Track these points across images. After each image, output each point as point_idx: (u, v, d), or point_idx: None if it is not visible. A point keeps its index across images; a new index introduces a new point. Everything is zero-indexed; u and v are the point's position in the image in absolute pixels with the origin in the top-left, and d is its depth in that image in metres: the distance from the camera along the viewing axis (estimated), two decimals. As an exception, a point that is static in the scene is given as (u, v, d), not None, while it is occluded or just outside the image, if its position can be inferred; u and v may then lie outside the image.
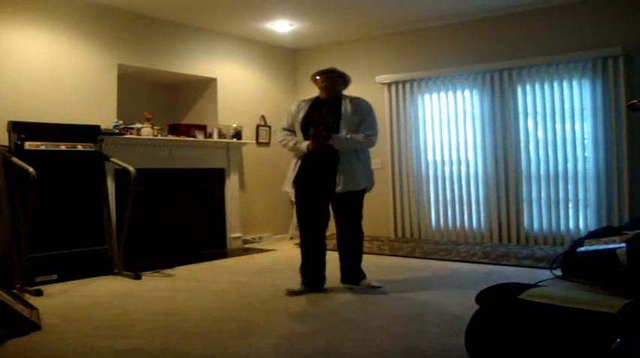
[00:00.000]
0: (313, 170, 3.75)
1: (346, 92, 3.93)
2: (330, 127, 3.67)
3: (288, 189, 3.86)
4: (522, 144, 5.56)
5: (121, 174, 4.78)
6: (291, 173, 3.84)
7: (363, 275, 3.89)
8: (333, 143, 3.66)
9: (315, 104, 3.85)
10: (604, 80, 5.10)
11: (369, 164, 3.92)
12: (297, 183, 3.80)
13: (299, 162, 3.80)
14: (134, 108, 5.52)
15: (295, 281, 3.85)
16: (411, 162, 6.18)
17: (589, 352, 1.77)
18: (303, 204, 3.83)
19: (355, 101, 3.81)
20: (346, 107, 3.75)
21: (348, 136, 3.69)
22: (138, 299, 3.71)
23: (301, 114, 3.79)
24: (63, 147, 4.44)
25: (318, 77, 3.85)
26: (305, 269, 3.84)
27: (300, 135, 3.78)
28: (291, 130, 3.88)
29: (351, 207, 3.83)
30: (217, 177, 6.07)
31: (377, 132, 3.84)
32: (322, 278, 3.86)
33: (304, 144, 3.72)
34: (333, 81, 3.81)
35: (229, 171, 6.14)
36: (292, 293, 3.71)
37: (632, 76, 4.99)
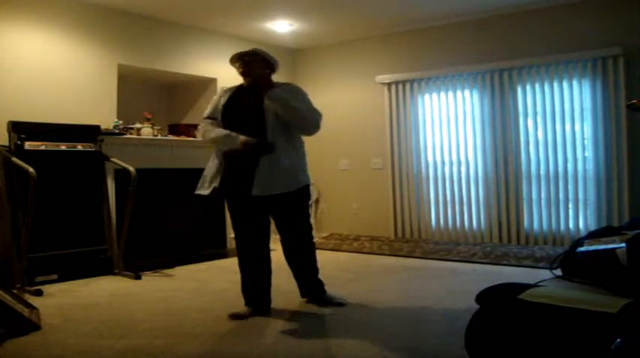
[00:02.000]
0: (243, 170, 3.16)
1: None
2: (253, 112, 3.20)
3: (205, 192, 3.23)
4: (522, 144, 5.56)
5: (121, 174, 4.77)
6: (213, 172, 3.25)
7: (322, 289, 3.46)
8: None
9: (237, 92, 3.37)
10: (604, 80, 5.10)
11: (305, 155, 3.38)
12: (225, 189, 3.22)
13: (223, 163, 3.23)
14: (134, 108, 5.53)
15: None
16: (411, 163, 6.18)
17: (589, 352, 1.77)
18: (237, 215, 3.34)
19: (283, 86, 3.30)
20: (271, 92, 3.19)
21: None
22: (138, 299, 3.71)
23: (222, 102, 3.33)
24: (63, 147, 4.44)
25: (233, 62, 3.33)
26: (247, 290, 3.38)
27: (220, 126, 3.29)
28: (214, 118, 3.35)
29: (294, 211, 3.35)
30: (217, 177, 6.06)
31: (317, 109, 3.28)
32: (268, 300, 3.39)
33: (241, 138, 3.13)
34: (249, 65, 3.26)
35: (229, 171, 6.12)
36: (235, 317, 3.20)
37: (632, 76, 5.00)
